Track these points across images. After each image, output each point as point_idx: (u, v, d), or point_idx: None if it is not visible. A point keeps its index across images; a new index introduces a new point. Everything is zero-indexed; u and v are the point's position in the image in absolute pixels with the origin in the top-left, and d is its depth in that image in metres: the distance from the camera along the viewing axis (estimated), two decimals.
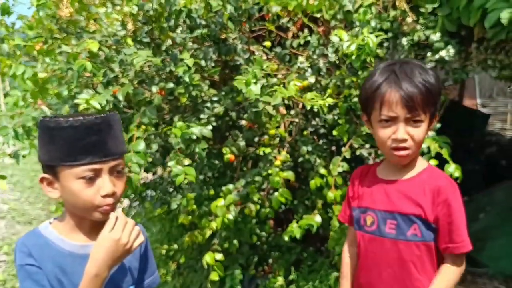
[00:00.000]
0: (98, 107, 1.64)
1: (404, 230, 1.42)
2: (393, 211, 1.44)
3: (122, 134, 1.26)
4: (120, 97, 1.71)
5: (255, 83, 1.63)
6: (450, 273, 1.42)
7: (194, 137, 1.79)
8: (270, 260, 3.14)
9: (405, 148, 1.38)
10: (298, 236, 2.07)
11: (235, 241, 2.20)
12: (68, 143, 1.13)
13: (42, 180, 1.19)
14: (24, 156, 2.07)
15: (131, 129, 1.79)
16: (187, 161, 1.77)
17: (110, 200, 1.18)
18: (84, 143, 1.13)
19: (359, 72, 2.08)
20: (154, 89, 1.90)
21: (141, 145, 1.74)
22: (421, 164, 1.47)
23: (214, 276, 2.02)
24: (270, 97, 1.68)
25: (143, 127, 1.78)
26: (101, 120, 1.16)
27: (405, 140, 1.37)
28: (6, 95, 11.00)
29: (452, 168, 1.82)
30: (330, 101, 1.88)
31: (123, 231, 1.16)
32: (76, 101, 1.56)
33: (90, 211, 1.18)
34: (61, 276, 1.18)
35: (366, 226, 1.52)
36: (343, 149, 2.06)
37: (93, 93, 2.06)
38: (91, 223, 1.23)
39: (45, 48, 1.79)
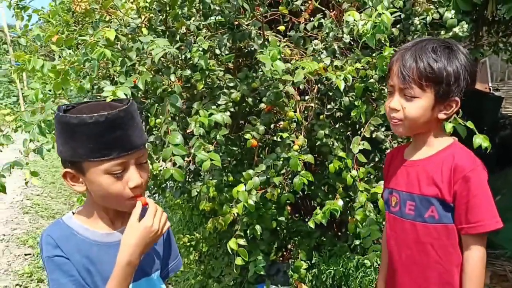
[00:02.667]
0: (124, 96, 1.60)
1: (422, 212, 1.37)
2: (412, 192, 1.41)
3: (141, 123, 1.23)
4: (140, 86, 1.68)
5: (279, 59, 1.59)
6: (472, 264, 1.32)
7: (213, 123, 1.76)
8: (289, 246, 3.12)
9: (399, 119, 1.36)
10: (324, 222, 2.04)
11: (258, 227, 2.17)
12: (93, 139, 1.09)
13: (65, 175, 1.17)
14: (48, 150, 2.06)
15: (158, 122, 1.76)
16: (211, 147, 1.75)
17: (138, 191, 1.16)
18: (109, 138, 1.10)
19: (374, 54, 2.04)
20: (173, 77, 1.87)
21: (179, 138, 1.71)
22: (444, 142, 1.41)
23: (239, 261, 2.01)
24: (290, 76, 1.65)
25: (168, 116, 1.75)
26: (124, 113, 1.12)
27: (396, 110, 1.35)
28: (24, 96, 11.13)
29: (480, 139, 1.75)
30: (358, 65, 1.84)
31: (154, 218, 1.15)
32: (103, 94, 1.53)
33: (120, 203, 1.17)
34: (89, 266, 1.17)
35: (392, 207, 1.50)
36: (362, 129, 2.01)
37: (113, 84, 2.05)
38: (115, 211, 1.22)
39: (63, 37, 1.76)
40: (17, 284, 3.56)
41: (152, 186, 3.13)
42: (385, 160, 1.64)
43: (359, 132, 2.06)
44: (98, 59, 1.62)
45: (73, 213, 1.24)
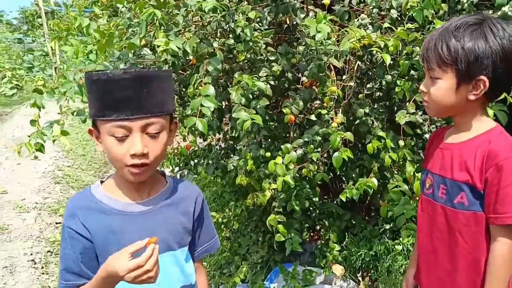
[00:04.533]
0: (176, 50, 1.57)
1: (452, 197, 1.31)
2: (444, 176, 1.34)
3: (167, 93, 1.15)
4: (188, 49, 1.62)
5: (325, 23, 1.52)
6: (496, 256, 1.24)
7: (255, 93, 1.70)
8: (317, 227, 3.06)
9: (425, 101, 1.33)
10: (355, 197, 1.97)
11: (296, 204, 2.12)
12: (97, 97, 1.09)
13: (90, 132, 1.18)
14: (84, 121, 2.03)
15: (195, 79, 1.71)
16: (252, 111, 1.69)
17: (138, 161, 1.09)
18: (111, 98, 1.06)
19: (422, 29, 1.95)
20: (215, 44, 1.81)
21: (211, 89, 1.66)
22: (485, 126, 1.31)
23: (278, 238, 2.00)
24: (335, 46, 1.57)
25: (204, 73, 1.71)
26: (130, 75, 1.06)
27: (424, 92, 1.32)
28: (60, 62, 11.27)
29: None
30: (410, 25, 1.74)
31: (147, 259, 1.02)
32: (155, 42, 1.49)
33: (120, 169, 1.13)
34: (109, 235, 1.13)
35: (426, 189, 1.44)
36: (407, 104, 1.93)
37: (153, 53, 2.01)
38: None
39: None
40: (48, 251, 3.62)
41: (182, 164, 3.12)
42: (428, 140, 1.57)
43: (407, 104, 1.98)
44: (147, 19, 1.56)
45: (102, 182, 1.23)
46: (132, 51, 1.89)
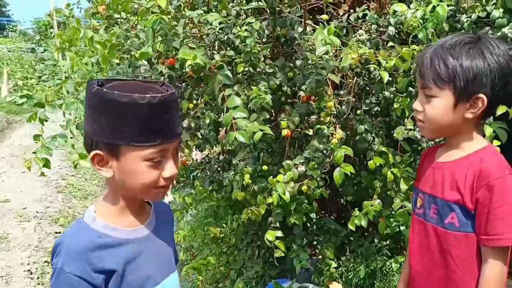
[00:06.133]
0: (202, 63, 1.54)
1: (443, 217, 1.26)
2: (435, 195, 1.29)
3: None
4: (200, 61, 1.55)
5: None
6: (486, 279, 1.20)
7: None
8: (314, 243, 2.98)
9: (419, 121, 1.27)
10: (364, 224, 1.92)
11: (296, 218, 2.05)
12: (141, 121, 0.98)
13: (94, 157, 1.02)
14: None
15: (191, 107, 1.66)
16: (257, 122, 1.63)
17: (170, 182, 1.06)
18: (157, 123, 0.99)
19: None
20: (217, 57, 1.77)
21: (237, 100, 1.60)
22: (477, 145, 1.27)
23: (278, 254, 1.93)
24: (336, 62, 1.53)
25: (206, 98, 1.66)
26: (174, 96, 1.02)
27: (418, 111, 1.26)
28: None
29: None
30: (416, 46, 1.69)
31: None
32: (180, 55, 1.44)
33: (147, 192, 1.06)
34: (121, 267, 1.04)
35: (417, 209, 1.39)
36: (405, 120, 1.88)
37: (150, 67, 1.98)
38: (140, 203, 1.12)
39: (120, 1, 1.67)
40: (45, 261, 3.56)
41: (182, 177, 3.06)
42: (421, 158, 1.53)
43: (405, 120, 1.93)
44: (152, 26, 1.51)
45: (95, 212, 1.09)
46: (127, 63, 1.86)
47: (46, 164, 1.82)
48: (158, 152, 1.01)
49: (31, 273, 3.32)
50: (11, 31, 20.55)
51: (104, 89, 0.98)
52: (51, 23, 13.49)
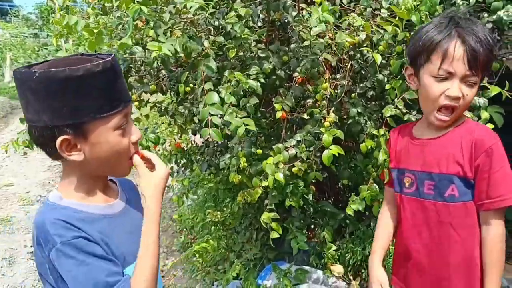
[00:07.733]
0: (169, 53, 1.52)
1: (442, 191, 1.29)
2: (430, 171, 1.32)
3: None
4: (178, 48, 1.56)
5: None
6: (494, 240, 1.26)
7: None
8: (312, 226, 3.02)
9: (453, 108, 1.26)
10: (361, 208, 1.93)
11: (293, 200, 2.07)
12: (101, 91, 0.95)
13: (62, 144, 0.95)
14: None
15: (188, 90, 1.67)
16: (243, 113, 1.63)
17: (137, 147, 1.06)
18: (116, 88, 0.98)
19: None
20: (206, 43, 1.77)
21: (215, 97, 1.60)
22: (459, 118, 1.32)
23: (274, 235, 1.94)
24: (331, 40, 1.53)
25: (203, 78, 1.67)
26: (116, 58, 1.00)
27: (458, 98, 1.24)
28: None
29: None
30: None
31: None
32: (148, 46, 1.45)
33: (122, 164, 1.05)
34: (106, 240, 1.02)
35: (405, 188, 1.41)
36: (395, 99, 1.87)
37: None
38: (104, 181, 1.10)
39: None
40: None
41: (180, 160, 3.08)
42: (390, 138, 1.55)
43: (395, 99, 1.92)
44: (134, 16, 1.52)
45: (59, 196, 1.03)
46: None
47: (29, 145, 1.84)
48: (123, 118, 1.00)
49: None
50: (14, 16, 20.48)
51: (53, 69, 0.90)
52: (53, 8, 13.43)
